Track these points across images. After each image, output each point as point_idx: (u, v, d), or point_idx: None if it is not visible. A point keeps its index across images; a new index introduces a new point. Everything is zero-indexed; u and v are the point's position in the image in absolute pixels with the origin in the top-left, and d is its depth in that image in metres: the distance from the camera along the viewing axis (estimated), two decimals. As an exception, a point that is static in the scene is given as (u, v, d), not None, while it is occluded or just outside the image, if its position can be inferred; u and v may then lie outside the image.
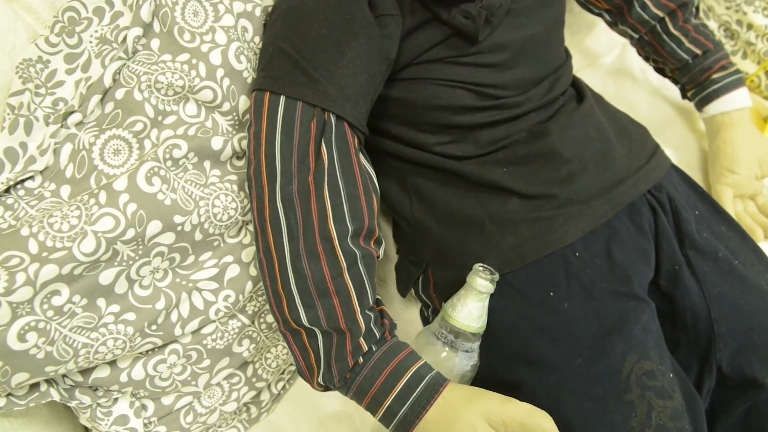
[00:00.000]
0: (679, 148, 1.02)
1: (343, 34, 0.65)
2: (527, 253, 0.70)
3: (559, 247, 0.69)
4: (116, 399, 0.66)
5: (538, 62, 0.77)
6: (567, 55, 0.85)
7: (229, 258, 0.67)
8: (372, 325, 0.62)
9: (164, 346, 0.65)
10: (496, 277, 0.67)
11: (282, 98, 0.63)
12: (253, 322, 0.71)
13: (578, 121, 0.76)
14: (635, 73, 1.15)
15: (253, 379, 0.75)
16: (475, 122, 0.74)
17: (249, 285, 0.67)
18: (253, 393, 0.76)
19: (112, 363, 0.63)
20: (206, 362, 0.68)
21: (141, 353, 0.64)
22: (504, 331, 0.69)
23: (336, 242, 0.61)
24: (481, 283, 0.66)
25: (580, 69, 1.15)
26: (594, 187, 0.72)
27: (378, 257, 0.68)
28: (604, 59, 1.17)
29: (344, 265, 0.61)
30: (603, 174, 0.73)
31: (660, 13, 0.89)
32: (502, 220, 0.71)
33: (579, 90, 0.84)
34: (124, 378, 0.64)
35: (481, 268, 0.69)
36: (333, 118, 0.64)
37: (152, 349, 0.64)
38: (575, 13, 1.09)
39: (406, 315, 0.89)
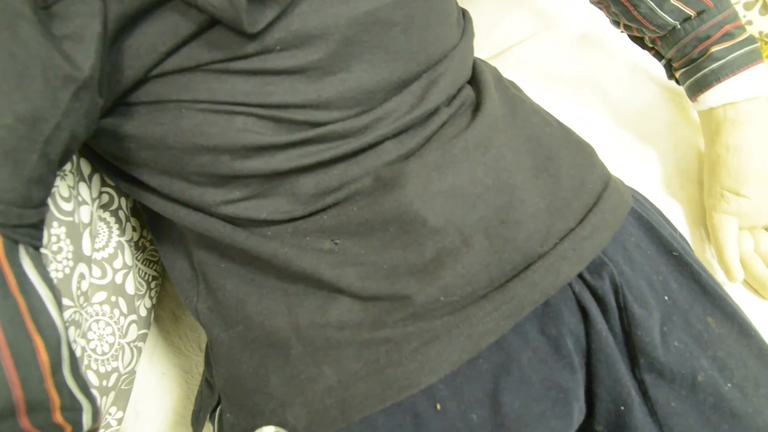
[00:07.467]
0: (668, 155, 0.70)
1: None
2: (354, 403, 0.40)
3: (409, 395, 0.40)
4: None
5: (393, 56, 0.45)
6: (464, 35, 0.51)
7: None
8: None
9: None
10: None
11: None
12: None
13: (460, 156, 0.44)
14: (608, 41, 0.81)
15: None
16: (278, 168, 0.43)
17: None
18: None
19: None
20: None
21: None
22: None
23: None
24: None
25: (529, 37, 0.82)
26: (479, 279, 0.41)
27: None
28: (564, 21, 0.83)
29: None
30: (499, 252, 0.42)
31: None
32: (317, 341, 0.42)
33: (479, 89, 0.50)
34: None
35: (266, 437, 0.40)
36: None
37: None
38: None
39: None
